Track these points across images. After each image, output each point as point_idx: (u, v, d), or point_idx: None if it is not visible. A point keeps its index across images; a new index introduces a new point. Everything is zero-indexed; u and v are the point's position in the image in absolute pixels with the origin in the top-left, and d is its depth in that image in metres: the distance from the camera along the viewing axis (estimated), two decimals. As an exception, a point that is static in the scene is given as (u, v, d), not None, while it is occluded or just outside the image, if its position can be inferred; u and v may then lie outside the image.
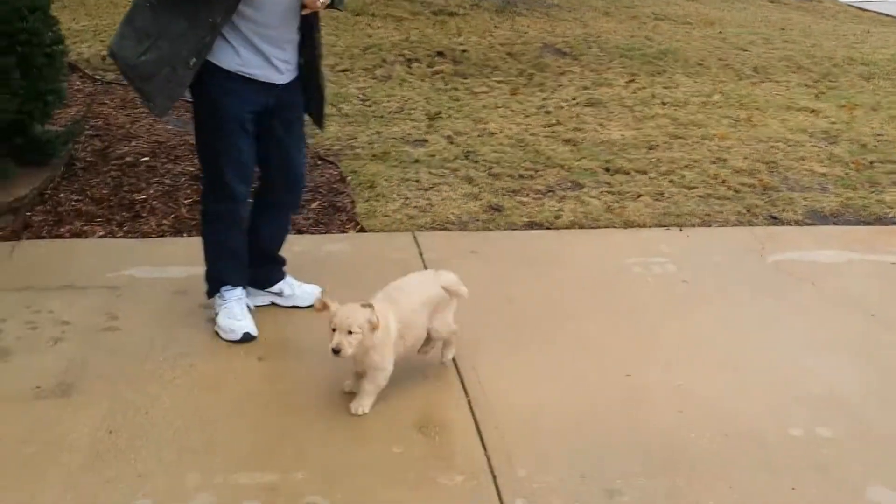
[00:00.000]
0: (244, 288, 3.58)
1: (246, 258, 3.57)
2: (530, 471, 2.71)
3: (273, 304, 3.75)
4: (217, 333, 3.46)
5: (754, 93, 7.69)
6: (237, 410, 2.97)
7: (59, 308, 3.58)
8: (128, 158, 5.64)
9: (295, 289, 3.75)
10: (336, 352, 2.79)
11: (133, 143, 5.94)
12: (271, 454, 2.73)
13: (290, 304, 3.72)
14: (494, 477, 2.68)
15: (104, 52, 7.59)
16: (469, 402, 3.08)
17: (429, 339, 3.23)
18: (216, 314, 3.50)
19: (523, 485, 2.65)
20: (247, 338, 3.42)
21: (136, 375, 3.14)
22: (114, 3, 9.93)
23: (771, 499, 2.63)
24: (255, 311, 3.60)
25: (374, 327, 2.85)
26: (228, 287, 3.50)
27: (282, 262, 3.78)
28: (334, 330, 2.82)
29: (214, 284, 3.54)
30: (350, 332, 2.81)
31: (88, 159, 5.58)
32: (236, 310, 3.45)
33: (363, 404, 2.98)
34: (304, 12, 3.17)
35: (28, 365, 3.18)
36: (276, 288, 3.73)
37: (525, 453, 2.80)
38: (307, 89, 3.44)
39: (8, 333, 3.38)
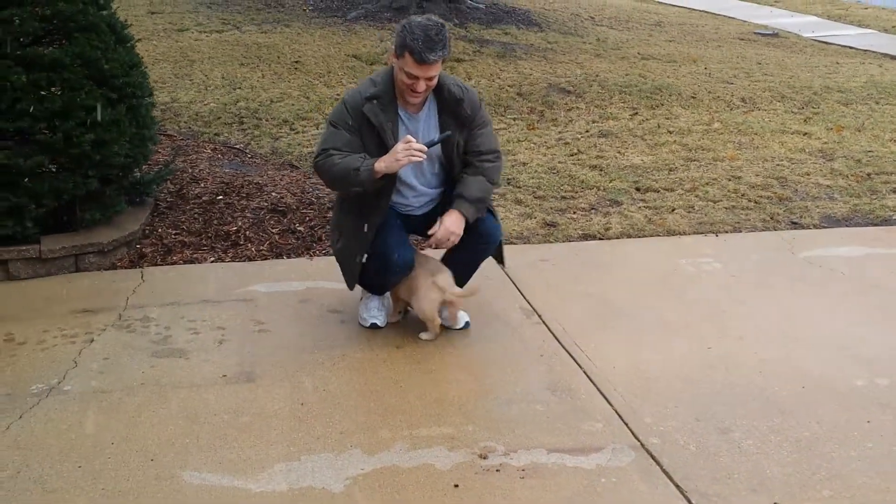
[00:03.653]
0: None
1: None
2: (654, 418, 3.29)
3: None
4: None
5: (748, 120, 8.44)
6: (397, 384, 3.51)
7: (209, 317, 4.11)
8: (204, 197, 6.18)
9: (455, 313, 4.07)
10: None
11: (202, 185, 6.48)
12: (440, 414, 3.27)
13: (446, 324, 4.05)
14: (626, 423, 3.25)
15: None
16: (584, 371, 3.65)
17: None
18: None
19: (651, 428, 3.22)
20: (374, 326, 4.00)
21: (302, 363, 3.67)
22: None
23: (853, 429, 3.23)
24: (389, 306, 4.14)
25: None
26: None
27: None
28: None
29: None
30: None
31: (169, 199, 6.12)
32: (372, 303, 4.04)
33: None
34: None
35: (206, 360, 3.71)
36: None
37: (644, 405, 3.38)
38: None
39: (177, 338, 3.90)
